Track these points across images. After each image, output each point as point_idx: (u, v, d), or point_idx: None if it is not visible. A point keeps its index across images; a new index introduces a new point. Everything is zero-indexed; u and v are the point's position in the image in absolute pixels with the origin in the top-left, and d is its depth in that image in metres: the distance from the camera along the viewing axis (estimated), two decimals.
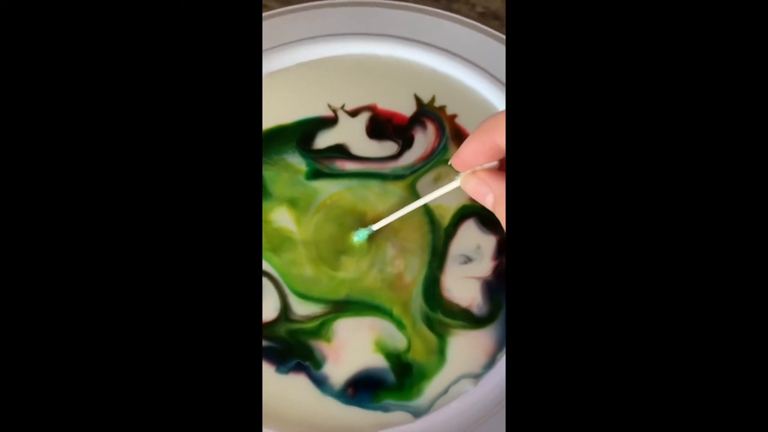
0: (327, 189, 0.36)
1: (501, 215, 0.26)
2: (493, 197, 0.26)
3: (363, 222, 0.35)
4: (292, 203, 0.36)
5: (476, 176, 0.27)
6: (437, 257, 0.35)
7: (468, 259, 0.35)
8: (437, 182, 0.36)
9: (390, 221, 0.33)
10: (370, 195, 0.36)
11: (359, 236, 0.34)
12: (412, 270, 0.34)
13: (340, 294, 0.34)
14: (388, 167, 0.37)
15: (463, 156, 0.27)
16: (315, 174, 0.37)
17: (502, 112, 0.26)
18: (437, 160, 0.37)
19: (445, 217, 0.36)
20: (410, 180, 0.37)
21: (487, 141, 0.26)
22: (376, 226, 0.34)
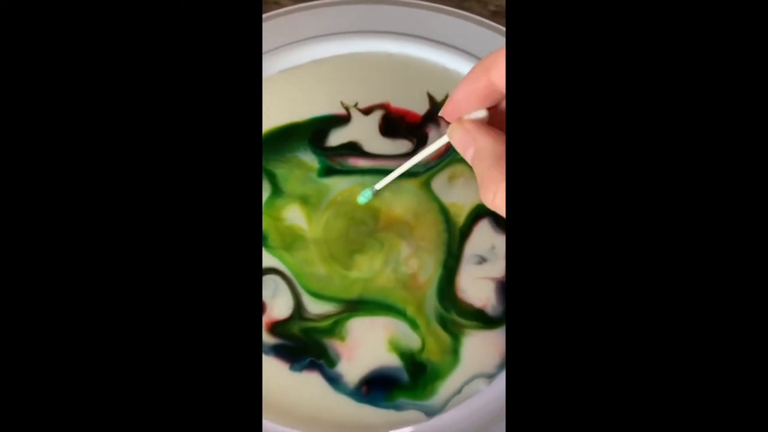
0: (338, 186, 0.37)
1: (477, 171, 0.25)
2: (474, 151, 0.25)
3: (375, 219, 0.36)
4: (304, 200, 0.36)
5: (462, 127, 0.25)
6: (452, 257, 0.35)
7: (482, 260, 0.35)
8: (452, 180, 0.37)
9: (392, 179, 0.33)
10: (384, 192, 0.36)
11: (364, 196, 0.35)
12: (426, 270, 0.35)
13: (354, 293, 0.34)
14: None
15: (454, 101, 0.25)
16: (327, 171, 0.37)
17: (500, 48, 0.24)
18: (451, 158, 0.37)
19: (460, 216, 0.36)
20: (425, 177, 0.37)
21: (482, 80, 0.24)
22: (379, 185, 0.34)
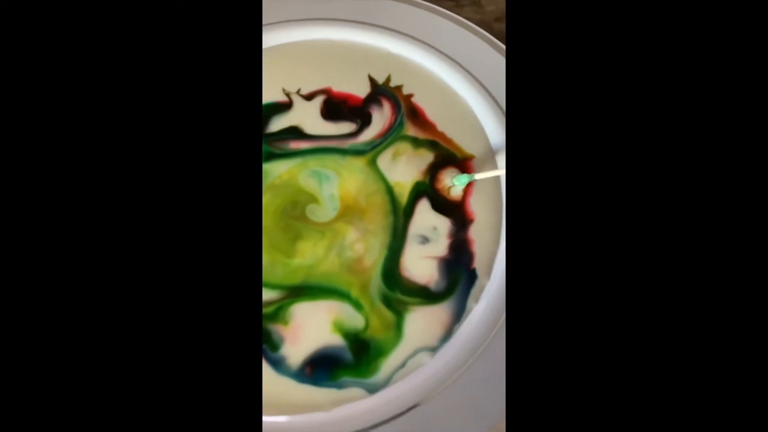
0: (278, 170, 0.38)
1: None
2: None
3: (317, 199, 0.37)
4: None
5: None
6: (397, 239, 0.37)
7: (425, 240, 0.37)
8: (396, 158, 0.38)
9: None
10: (327, 170, 0.38)
11: (460, 181, 0.37)
12: (372, 253, 0.36)
13: (297, 279, 0.35)
14: (347, 144, 0.39)
15: None
16: (267, 156, 0.38)
17: None
18: (394, 136, 0.39)
19: (404, 196, 0.37)
20: (371, 155, 0.38)
21: None
22: (479, 176, 0.37)
